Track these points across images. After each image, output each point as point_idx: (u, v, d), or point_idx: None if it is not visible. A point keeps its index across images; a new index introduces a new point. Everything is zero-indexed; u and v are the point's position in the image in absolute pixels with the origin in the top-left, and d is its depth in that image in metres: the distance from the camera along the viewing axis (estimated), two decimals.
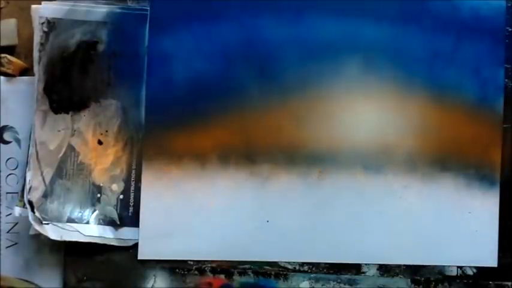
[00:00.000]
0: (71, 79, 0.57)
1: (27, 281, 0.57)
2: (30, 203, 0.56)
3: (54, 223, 0.56)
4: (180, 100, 0.57)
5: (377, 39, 0.58)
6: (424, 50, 0.59)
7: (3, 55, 0.57)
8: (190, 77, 0.57)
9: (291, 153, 0.58)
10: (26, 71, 0.58)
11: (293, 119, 0.58)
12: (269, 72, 0.58)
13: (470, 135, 0.59)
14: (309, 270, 0.59)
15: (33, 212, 0.55)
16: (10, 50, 0.58)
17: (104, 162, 0.57)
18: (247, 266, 0.58)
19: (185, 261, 0.58)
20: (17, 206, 0.56)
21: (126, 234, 0.57)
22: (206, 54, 0.58)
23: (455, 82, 0.59)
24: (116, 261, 0.57)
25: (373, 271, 0.59)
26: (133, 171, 0.57)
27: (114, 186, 0.57)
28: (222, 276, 0.58)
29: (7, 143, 0.58)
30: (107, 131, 0.57)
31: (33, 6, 0.56)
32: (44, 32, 0.56)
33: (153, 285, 0.58)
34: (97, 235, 0.57)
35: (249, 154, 0.58)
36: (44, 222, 0.56)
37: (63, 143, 0.57)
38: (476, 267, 0.60)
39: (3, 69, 0.57)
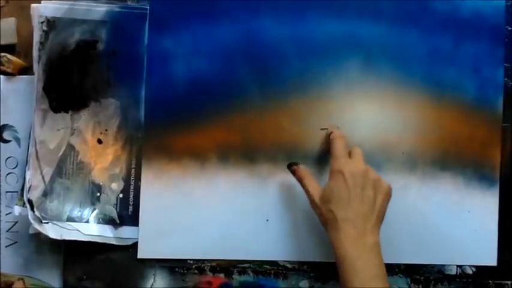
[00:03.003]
0: (70, 78, 0.57)
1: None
2: (30, 202, 0.56)
3: (54, 222, 0.56)
4: (180, 99, 0.57)
5: (377, 39, 0.58)
6: (424, 49, 0.59)
7: (2, 54, 0.57)
8: (190, 77, 0.57)
9: (290, 152, 0.58)
10: (26, 70, 0.58)
11: (293, 118, 0.58)
12: (269, 71, 0.58)
13: (469, 135, 0.59)
14: (309, 270, 0.59)
15: (33, 211, 0.55)
16: (10, 48, 0.58)
17: (104, 161, 0.57)
18: (246, 265, 0.58)
19: (185, 260, 0.58)
20: (16, 205, 0.56)
21: (126, 233, 0.57)
22: (206, 54, 0.58)
23: (455, 81, 0.59)
24: (115, 260, 0.57)
25: None
26: (132, 170, 0.57)
27: (114, 185, 0.57)
28: (222, 275, 0.58)
29: (7, 142, 0.58)
30: (106, 130, 0.57)
31: (32, 5, 0.56)
32: (44, 31, 0.56)
33: (152, 284, 0.58)
34: (97, 234, 0.57)
35: (249, 153, 0.58)
36: (43, 221, 0.56)
37: (62, 142, 0.57)
38: (475, 266, 0.60)
39: (2, 68, 0.57)
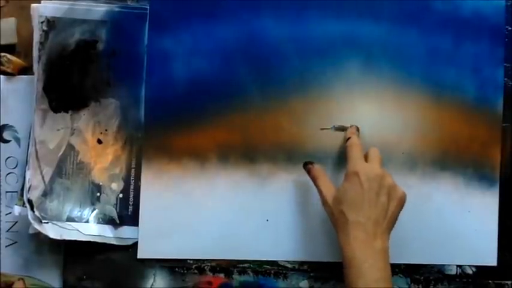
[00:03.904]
0: (70, 78, 0.57)
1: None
2: (30, 202, 0.56)
3: (54, 222, 0.56)
4: (180, 99, 0.57)
5: (377, 39, 0.58)
6: (424, 49, 0.59)
7: (2, 54, 0.57)
8: (190, 76, 0.57)
9: (290, 152, 0.58)
10: (26, 70, 0.58)
11: (293, 118, 0.58)
12: (269, 71, 0.58)
13: (469, 135, 0.59)
14: (309, 270, 0.59)
15: (33, 211, 0.55)
16: (10, 48, 0.58)
17: (104, 161, 0.57)
18: (246, 265, 0.58)
19: (185, 260, 0.58)
20: (16, 205, 0.56)
21: (126, 233, 0.57)
22: (206, 53, 0.58)
23: (455, 81, 0.59)
24: (115, 260, 0.57)
25: None
26: (132, 170, 0.57)
27: (114, 185, 0.57)
28: (222, 275, 0.58)
29: (7, 141, 0.58)
30: (106, 130, 0.57)
31: (32, 5, 0.56)
32: (44, 31, 0.56)
33: (152, 284, 0.58)
34: (96, 234, 0.57)
35: (249, 153, 0.58)
36: (43, 221, 0.56)
37: (62, 142, 0.57)
38: (475, 266, 0.60)
39: (2, 68, 0.57)
